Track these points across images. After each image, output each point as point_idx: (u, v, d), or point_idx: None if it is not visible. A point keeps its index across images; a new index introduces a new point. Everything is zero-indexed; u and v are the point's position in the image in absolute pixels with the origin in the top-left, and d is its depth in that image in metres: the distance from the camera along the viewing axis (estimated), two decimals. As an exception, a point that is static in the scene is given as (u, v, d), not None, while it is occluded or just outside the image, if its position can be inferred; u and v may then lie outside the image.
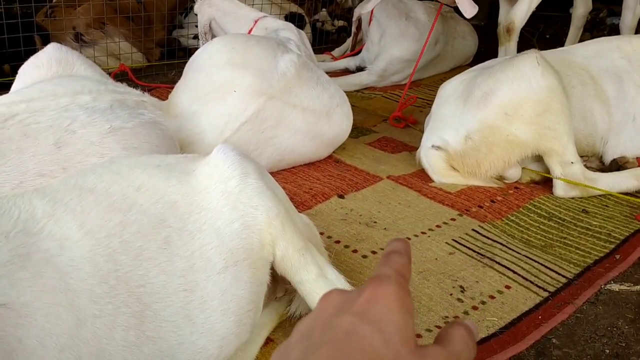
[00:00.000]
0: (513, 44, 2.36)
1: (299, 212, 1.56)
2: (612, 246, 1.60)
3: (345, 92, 2.24)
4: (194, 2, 2.93)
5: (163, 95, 2.48)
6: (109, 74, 2.67)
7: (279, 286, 1.24)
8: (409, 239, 1.58)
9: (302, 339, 0.41)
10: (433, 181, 1.90)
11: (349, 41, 3.45)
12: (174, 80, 2.72)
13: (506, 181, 1.90)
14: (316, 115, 1.94)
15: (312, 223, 1.40)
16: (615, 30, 3.88)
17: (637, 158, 1.94)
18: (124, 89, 1.63)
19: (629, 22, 2.62)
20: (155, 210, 0.99)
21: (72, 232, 0.89)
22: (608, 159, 1.95)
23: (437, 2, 2.57)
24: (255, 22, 2.45)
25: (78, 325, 0.83)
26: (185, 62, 2.01)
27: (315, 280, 1.13)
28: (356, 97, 2.81)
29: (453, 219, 1.70)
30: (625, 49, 1.95)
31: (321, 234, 1.51)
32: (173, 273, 0.95)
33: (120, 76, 2.77)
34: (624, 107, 1.92)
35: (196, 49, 2.70)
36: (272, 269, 1.12)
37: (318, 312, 0.43)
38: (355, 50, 3.35)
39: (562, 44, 2.64)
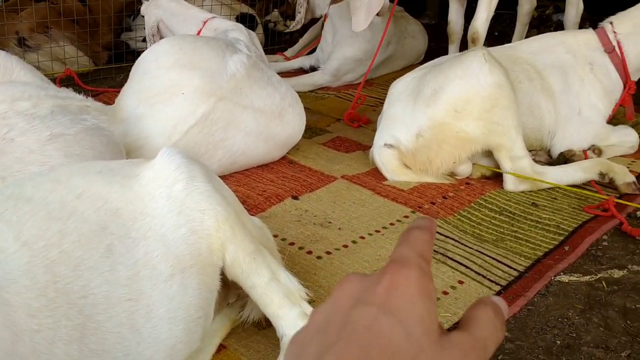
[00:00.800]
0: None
1: (252, 215, 1.54)
2: (561, 238, 1.63)
3: (299, 92, 2.23)
4: (142, 4, 2.87)
5: (111, 100, 2.42)
6: (54, 79, 2.59)
7: (231, 292, 1.21)
8: (363, 237, 1.58)
9: (319, 333, 0.39)
10: (386, 179, 1.90)
11: (302, 41, 3.44)
12: (122, 84, 2.63)
13: (458, 177, 1.92)
14: (268, 116, 1.92)
15: (265, 226, 1.38)
16: (561, 27, 3.98)
17: (583, 150, 1.99)
18: (66, 94, 1.57)
19: (572, 18, 2.69)
20: (97, 217, 0.96)
21: (7, 244, 0.85)
22: (556, 152, 1.99)
23: (390, 3, 2.59)
24: (204, 23, 2.41)
25: (15, 340, 0.79)
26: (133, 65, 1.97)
27: (268, 283, 1.11)
28: (310, 98, 2.80)
29: (406, 216, 1.70)
30: (570, 44, 2.00)
31: (275, 236, 1.49)
32: (116, 282, 0.91)
33: (66, 81, 2.69)
34: (570, 101, 1.96)
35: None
36: (223, 274, 1.10)
37: (335, 301, 0.40)
38: (309, 48, 3.34)
39: (509, 41, 2.68)
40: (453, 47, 2.69)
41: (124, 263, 0.93)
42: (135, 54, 3.16)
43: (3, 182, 1.22)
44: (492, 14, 2.42)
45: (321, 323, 0.39)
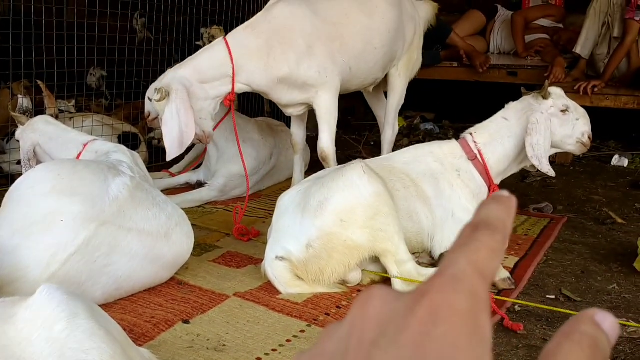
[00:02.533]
0: (333, 164, 2.54)
1: (140, 345, 1.46)
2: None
3: (186, 208, 2.22)
4: (16, 127, 2.78)
5: (-19, 229, 2.26)
6: None
7: None
8: (260, 359, 1.54)
9: None
10: (280, 293, 1.90)
11: (188, 157, 3.46)
12: (-6, 211, 2.50)
13: (349, 285, 1.96)
14: (154, 238, 1.88)
15: (155, 357, 1.31)
16: (429, 135, 4.35)
17: (461, 250, 2.12)
18: None
19: (389, 137, 2.98)
20: (-35, 369, 0.87)
21: None
22: (437, 253, 2.11)
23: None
24: (84, 145, 2.37)
25: None
26: (7, 190, 1.87)
27: None
28: (197, 213, 2.78)
29: (302, 331, 1.69)
30: (437, 154, 2.18)
31: (166, 365, 1.42)
32: None
33: None
34: (443, 205, 2.11)
35: (20, 175, 2.53)
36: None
37: (352, 326, 0.30)
38: (195, 163, 3.36)
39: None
40: (297, 156, 2.85)
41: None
42: (10, 177, 3.02)
43: None
44: (334, 131, 2.58)
45: (332, 355, 0.30)
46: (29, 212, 1.72)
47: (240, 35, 2.41)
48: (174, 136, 2.26)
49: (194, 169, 3.33)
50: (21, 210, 1.74)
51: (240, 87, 2.43)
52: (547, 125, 2.15)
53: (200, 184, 3.15)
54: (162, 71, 3.34)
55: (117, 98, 4.19)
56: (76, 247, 1.67)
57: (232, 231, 2.48)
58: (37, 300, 1.01)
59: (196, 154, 3.48)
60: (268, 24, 2.40)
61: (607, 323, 0.29)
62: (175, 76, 2.32)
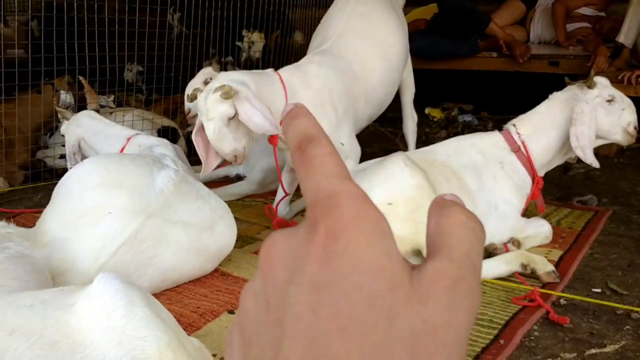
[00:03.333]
0: None
1: (188, 334, 1.49)
2: (496, 332, 1.68)
3: (226, 201, 2.24)
4: (60, 122, 2.84)
5: (30, 221, 2.33)
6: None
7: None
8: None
9: (258, 327, 0.29)
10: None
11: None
12: (40, 204, 2.57)
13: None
14: (199, 230, 1.90)
15: (204, 346, 1.34)
16: (467, 127, 4.30)
17: (504, 244, 2.10)
18: (-13, 221, 1.51)
19: (411, 128, 3.02)
20: (32, 354, 0.90)
21: None
22: (479, 246, 2.09)
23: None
24: (128, 140, 2.41)
25: None
26: (52, 184, 1.92)
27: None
28: (237, 206, 2.81)
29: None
30: (480, 146, 2.16)
31: (214, 355, 1.44)
32: None
33: (-21, 204, 2.58)
34: (486, 198, 2.09)
35: (63, 169, 2.59)
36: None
37: (264, 276, 0.29)
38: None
39: (422, 142, 2.87)
40: None
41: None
42: (54, 172, 3.10)
43: None
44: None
45: (256, 312, 0.30)
46: (78, 205, 1.76)
47: (291, 76, 2.30)
48: (259, 123, 2.09)
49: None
50: (70, 203, 1.78)
51: None
52: (592, 116, 2.11)
53: (239, 178, 3.18)
54: (200, 66, 3.39)
55: (154, 93, 4.25)
56: (124, 239, 1.71)
57: (272, 224, 2.50)
58: (96, 288, 1.03)
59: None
60: (308, 82, 2.31)
61: (456, 197, 0.31)
62: (234, 78, 2.19)
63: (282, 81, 2.25)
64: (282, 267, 0.28)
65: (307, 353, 0.25)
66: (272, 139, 2.31)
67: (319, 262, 0.27)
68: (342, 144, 2.34)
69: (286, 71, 2.32)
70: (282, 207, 2.59)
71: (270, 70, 2.32)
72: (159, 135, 3.21)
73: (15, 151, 3.04)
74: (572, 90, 2.18)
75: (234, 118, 2.11)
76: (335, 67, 2.35)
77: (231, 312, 1.74)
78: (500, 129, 2.26)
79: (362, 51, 2.47)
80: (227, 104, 2.07)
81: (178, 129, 3.65)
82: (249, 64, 4.44)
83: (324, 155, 0.30)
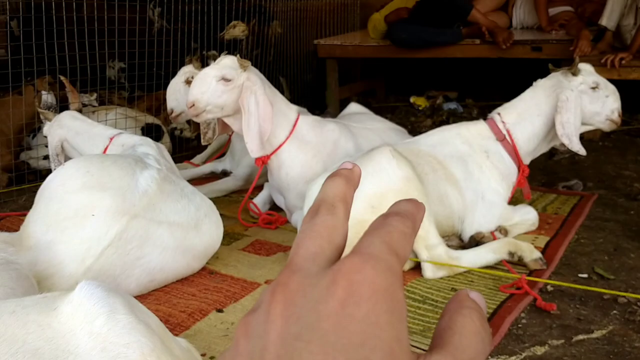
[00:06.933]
0: None
1: (176, 335, 1.48)
2: (484, 320, 1.68)
3: (212, 198, 2.23)
4: (43, 123, 2.81)
5: (14, 225, 2.31)
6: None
7: None
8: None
9: None
10: (310, 280, 1.90)
11: (210, 148, 3.46)
12: (25, 206, 2.54)
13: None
14: (184, 229, 1.89)
15: (192, 346, 1.33)
16: (452, 114, 4.30)
17: (491, 232, 2.10)
18: (-32, 228, 1.49)
19: None
20: (15, 361, 0.89)
21: None
22: (466, 236, 2.09)
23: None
24: (111, 139, 2.39)
25: None
26: (36, 186, 1.90)
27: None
28: (224, 202, 2.79)
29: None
30: (465, 135, 2.16)
31: (203, 355, 1.44)
32: None
33: (-38, 209, 2.54)
34: (472, 187, 2.09)
35: (47, 170, 2.56)
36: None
37: (269, 313, 0.28)
38: (218, 155, 3.37)
39: (408, 132, 2.85)
40: None
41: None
42: (38, 173, 3.06)
43: None
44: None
45: (252, 348, 0.28)
46: (61, 208, 1.75)
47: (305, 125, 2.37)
48: (254, 133, 2.17)
49: (218, 158, 3.34)
50: (53, 206, 1.77)
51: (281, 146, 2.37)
52: (577, 103, 2.11)
53: (225, 174, 3.16)
54: (182, 62, 3.36)
55: (137, 89, 4.21)
56: (109, 240, 1.70)
57: (259, 222, 2.48)
58: (77, 296, 1.02)
59: (219, 143, 3.49)
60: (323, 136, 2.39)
61: (479, 299, 0.32)
62: (260, 77, 2.24)
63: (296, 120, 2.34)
64: (294, 318, 0.27)
65: None
66: (258, 160, 2.34)
67: (334, 321, 0.26)
68: None
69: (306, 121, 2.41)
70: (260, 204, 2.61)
71: (295, 108, 2.41)
72: (143, 133, 3.18)
73: (-2, 154, 3.00)
74: (556, 77, 2.18)
75: (228, 85, 2.15)
76: (347, 131, 2.48)
77: (220, 310, 1.73)
78: (485, 118, 2.25)
79: None
80: (237, 69, 2.16)
81: (162, 126, 3.62)
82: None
83: (398, 229, 0.31)
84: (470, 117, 3.37)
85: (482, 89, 4.73)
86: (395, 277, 0.28)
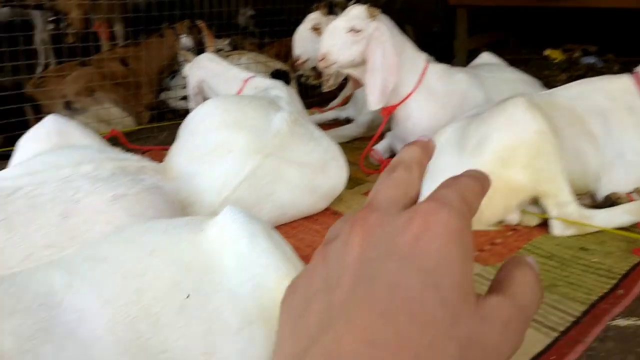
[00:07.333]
0: None
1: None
2: (614, 281, 1.62)
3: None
4: (181, 65, 2.99)
5: (156, 157, 2.51)
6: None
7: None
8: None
9: (325, 288, 0.30)
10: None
11: (341, 95, 3.51)
12: (165, 142, 2.75)
13: (504, 224, 1.92)
14: (312, 170, 1.97)
15: (320, 278, 1.40)
16: (591, 70, 4.02)
17: (627, 194, 1.98)
18: (124, 155, 1.65)
19: None
20: (170, 272, 1.00)
21: (91, 303, 0.89)
22: (601, 195, 1.99)
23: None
24: (245, 82, 2.51)
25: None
26: (175, 124, 2.05)
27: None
28: (347, 148, 2.84)
29: (456, 265, 1.71)
30: (608, 90, 2.02)
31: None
32: (192, 336, 0.94)
33: (112, 140, 2.80)
34: (612, 145, 1.97)
35: (185, 110, 2.73)
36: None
37: (347, 243, 0.32)
38: (344, 101, 3.42)
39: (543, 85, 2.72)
40: None
41: (198, 317, 0.97)
42: (176, 112, 3.29)
43: (73, 242, 1.28)
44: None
45: (329, 271, 0.31)
46: (202, 143, 1.88)
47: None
48: (376, 86, 2.22)
49: (342, 104, 3.38)
50: (195, 141, 1.90)
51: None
52: None
53: (348, 121, 3.21)
54: (309, 9, 3.39)
55: (266, 36, 4.32)
56: (244, 175, 1.80)
57: (380, 168, 2.52)
58: (223, 219, 1.11)
59: (348, 90, 3.53)
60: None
61: (535, 264, 0.35)
62: (390, 26, 2.28)
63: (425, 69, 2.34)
64: (370, 240, 0.31)
65: (372, 323, 0.27)
66: (384, 109, 2.37)
67: (410, 250, 0.30)
68: None
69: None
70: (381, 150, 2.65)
71: (424, 56, 2.41)
72: (272, 78, 3.29)
73: (142, 92, 3.25)
74: None
75: (358, 35, 2.18)
76: None
77: (343, 249, 1.80)
78: (630, 72, 2.09)
79: None
80: (366, 19, 2.19)
81: (289, 72, 3.72)
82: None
83: (471, 187, 0.34)
84: (611, 73, 3.13)
85: (625, 43, 4.36)
86: (466, 223, 0.31)
